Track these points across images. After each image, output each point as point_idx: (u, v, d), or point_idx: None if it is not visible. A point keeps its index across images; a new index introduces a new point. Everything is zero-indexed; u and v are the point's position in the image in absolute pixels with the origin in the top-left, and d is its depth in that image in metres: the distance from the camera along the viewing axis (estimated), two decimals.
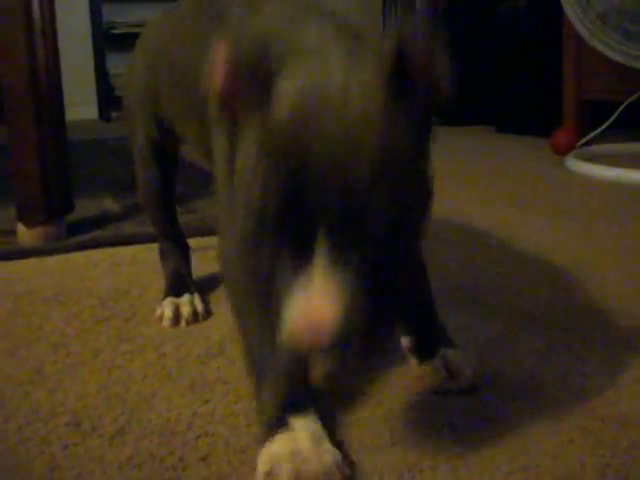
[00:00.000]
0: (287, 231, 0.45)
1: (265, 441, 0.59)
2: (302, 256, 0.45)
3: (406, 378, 0.76)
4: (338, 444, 0.61)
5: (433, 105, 0.53)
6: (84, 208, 1.48)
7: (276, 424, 0.60)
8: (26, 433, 0.66)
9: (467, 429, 0.67)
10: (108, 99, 3.62)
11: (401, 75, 0.49)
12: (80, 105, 3.57)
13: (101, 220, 1.44)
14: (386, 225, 0.46)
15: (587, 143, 2.09)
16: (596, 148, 2.04)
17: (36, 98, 1.29)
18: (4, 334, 0.89)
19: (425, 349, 0.75)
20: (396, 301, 0.50)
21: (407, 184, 0.48)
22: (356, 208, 0.45)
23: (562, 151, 2.04)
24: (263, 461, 0.58)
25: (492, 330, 0.89)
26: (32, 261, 1.21)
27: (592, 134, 2.10)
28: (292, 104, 0.48)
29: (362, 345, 0.45)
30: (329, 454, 0.58)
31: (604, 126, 2.08)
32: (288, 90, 0.49)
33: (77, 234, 1.33)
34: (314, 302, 0.43)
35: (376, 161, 0.46)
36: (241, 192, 0.49)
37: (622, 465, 0.60)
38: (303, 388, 0.64)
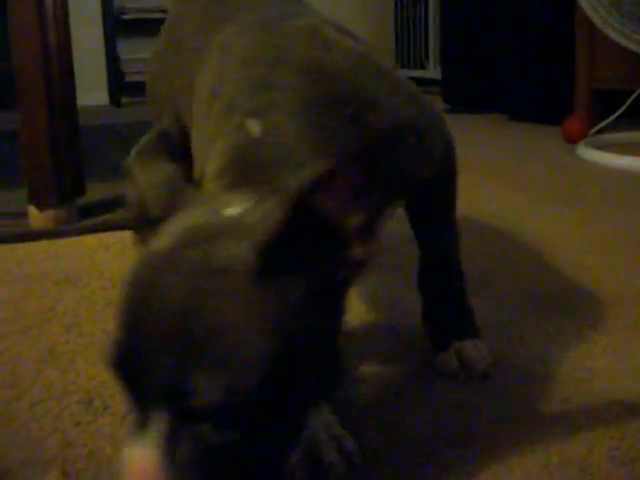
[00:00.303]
0: (127, 382, 0.44)
1: None
2: (142, 413, 0.43)
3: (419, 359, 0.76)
4: (348, 430, 0.61)
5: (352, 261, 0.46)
6: (95, 192, 1.49)
7: None
8: (39, 411, 0.67)
9: (476, 410, 0.67)
10: (118, 85, 3.62)
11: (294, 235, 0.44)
12: (90, 90, 3.57)
13: (112, 203, 1.45)
14: (217, 420, 0.42)
15: (599, 131, 2.08)
16: (608, 136, 2.02)
17: (48, 81, 1.29)
18: (17, 315, 0.90)
19: (440, 339, 0.75)
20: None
21: (258, 376, 0.42)
22: (184, 389, 0.42)
23: (574, 139, 2.02)
24: None
25: (503, 314, 0.89)
26: (44, 243, 1.22)
27: (604, 122, 2.09)
28: (145, 259, 0.46)
29: None
30: (338, 440, 0.59)
31: (616, 114, 2.06)
32: (152, 246, 0.46)
33: (88, 217, 1.34)
34: (140, 459, 0.43)
35: (201, 353, 0.42)
36: None
37: (630, 448, 0.60)
38: None
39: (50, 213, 1.32)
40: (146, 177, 0.50)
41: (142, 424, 0.43)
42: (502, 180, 1.67)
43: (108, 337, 0.47)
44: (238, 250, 0.44)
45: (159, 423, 0.43)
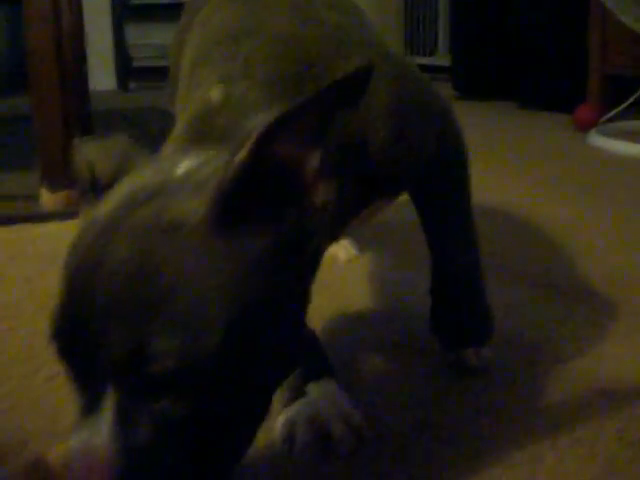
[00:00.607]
0: (72, 359, 0.41)
1: (284, 408, 0.60)
2: (90, 392, 0.40)
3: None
4: (355, 408, 0.62)
5: (309, 222, 0.43)
6: None
7: (293, 392, 0.61)
8: (55, 384, 0.68)
9: (484, 390, 0.68)
10: (126, 69, 3.62)
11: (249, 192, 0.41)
12: (98, 75, 3.57)
13: None
14: (173, 387, 0.39)
15: (610, 119, 2.06)
16: (619, 124, 2.01)
17: (61, 63, 1.29)
18: (32, 292, 0.91)
19: (443, 341, 0.72)
20: (209, 460, 0.41)
21: (215, 338, 0.39)
22: (139, 356, 0.38)
23: (585, 127, 2.01)
24: (282, 427, 0.59)
25: (513, 297, 0.89)
26: (56, 224, 1.23)
27: (615, 110, 2.07)
28: (91, 218, 0.43)
29: None
30: (346, 417, 0.59)
31: (628, 102, 2.04)
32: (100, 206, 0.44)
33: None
34: (90, 446, 0.39)
35: (153, 316, 0.39)
36: None
37: (639, 429, 0.61)
38: (320, 358, 0.65)
39: (62, 195, 1.32)
40: (97, 146, 0.48)
41: (91, 407, 0.40)
42: (511, 167, 1.66)
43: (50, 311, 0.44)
44: (191, 203, 0.41)
45: (110, 403, 0.39)
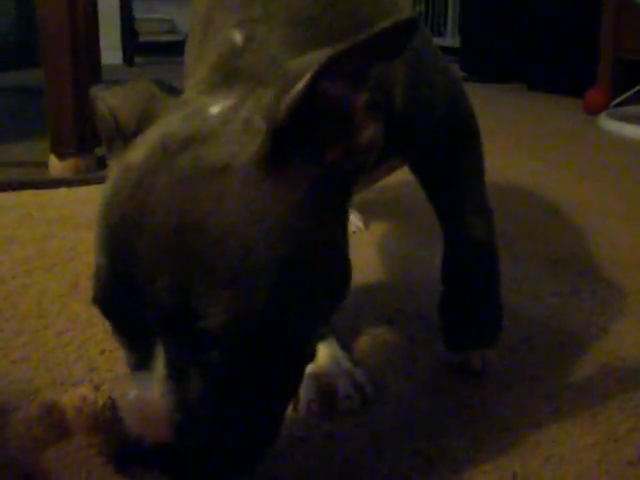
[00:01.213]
0: (120, 317, 0.40)
1: None
2: (141, 350, 0.39)
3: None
4: (359, 367, 0.62)
5: (353, 168, 0.42)
6: None
7: None
8: (65, 339, 0.69)
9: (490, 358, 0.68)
10: (133, 44, 3.60)
11: (294, 137, 0.39)
12: (105, 49, 3.55)
13: None
14: (223, 341, 0.38)
15: (620, 103, 2.05)
16: (629, 108, 1.99)
17: (73, 33, 1.29)
18: (40, 253, 0.92)
19: (451, 342, 0.66)
20: (256, 422, 0.41)
21: (268, 288, 0.38)
22: (189, 310, 0.37)
23: (595, 110, 2.00)
24: None
25: (519, 272, 0.89)
26: (63, 191, 1.24)
27: (626, 94, 2.05)
28: (124, 169, 0.41)
29: (192, 457, 0.39)
30: (350, 375, 0.60)
31: (638, 87, 2.03)
32: (132, 152, 0.41)
33: (106, 167, 1.35)
34: (146, 400, 0.38)
35: (206, 267, 0.37)
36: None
37: None
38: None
39: (70, 162, 1.33)
40: (119, 92, 0.46)
41: (142, 363, 0.39)
42: (520, 148, 1.66)
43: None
44: (236, 145, 0.39)
45: (161, 358, 0.38)
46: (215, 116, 0.42)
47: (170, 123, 0.42)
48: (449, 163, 0.66)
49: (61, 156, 1.33)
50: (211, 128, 0.41)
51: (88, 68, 1.35)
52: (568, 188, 1.30)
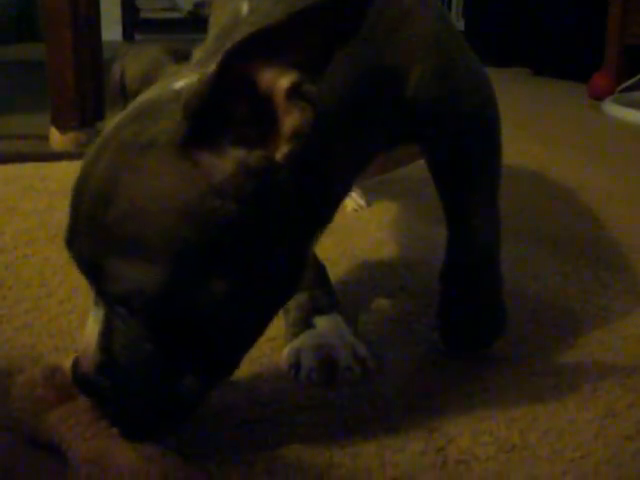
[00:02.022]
0: (76, 264, 0.45)
1: (291, 339, 0.61)
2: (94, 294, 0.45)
3: None
4: (362, 340, 0.63)
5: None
6: None
7: (300, 323, 0.62)
8: (67, 307, 0.69)
9: None
10: (133, 21, 3.58)
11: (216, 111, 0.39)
12: (105, 26, 3.52)
13: None
14: (127, 300, 0.42)
15: (626, 89, 2.03)
16: (635, 94, 1.98)
17: (73, 6, 1.29)
18: (42, 224, 0.92)
19: (450, 343, 0.64)
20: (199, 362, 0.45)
21: (167, 259, 0.40)
22: (101, 273, 0.42)
23: (600, 95, 1.99)
24: (288, 354, 0.60)
25: (519, 252, 0.89)
26: (65, 163, 1.23)
27: (632, 80, 2.04)
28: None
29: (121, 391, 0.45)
30: (352, 347, 0.60)
31: None
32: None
33: None
34: (86, 335, 0.45)
35: (114, 233, 0.41)
36: None
37: None
38: (328, 293, 0.65)
39: (71, 136, 1.33)
40: (136, 53, 0.48)
41: (96, 302, 0.45)
42: (524, 132, 1.65)
43: None
44: (167, 123, 0.40)
45: (99, 302, 0.44)
46: (173, 91, 0.43)
47: (149, 93, 0.45)
48: (464, 161, 0.63)
49: (62, 129, 1.33)
50: (160, 103, 0.42)
51: (89, 42, 1.34)
52: (571, 172, 1.30)
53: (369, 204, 1.07)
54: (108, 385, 0.45)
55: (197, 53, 0.49)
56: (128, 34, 3.61)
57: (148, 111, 0.42)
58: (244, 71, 0.39)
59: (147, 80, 0.46)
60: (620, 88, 2.02)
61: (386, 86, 0.53)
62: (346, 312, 0.67)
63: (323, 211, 0.49)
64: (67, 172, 1.19)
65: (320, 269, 0.67)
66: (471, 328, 0.63)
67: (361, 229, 0.97)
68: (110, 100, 0.48)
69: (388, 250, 0.90)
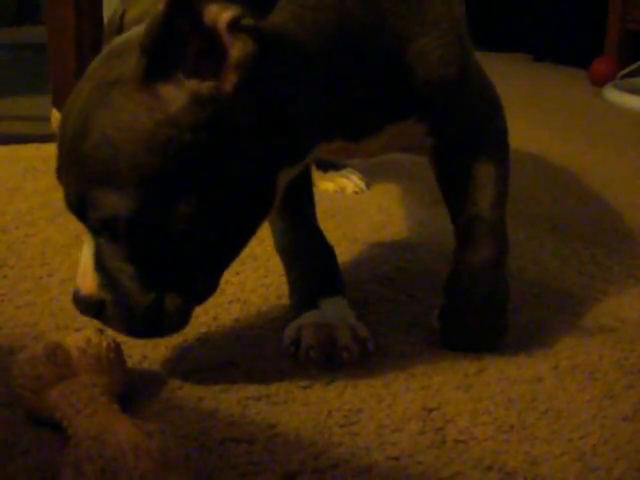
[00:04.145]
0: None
1: (294, 317, 0.62)
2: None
3: None
4: (361, 322, 0.63)
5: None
6: None
7: (304, 304, 0.62)
8: (68, 286, 0.69)
9: None
10: None
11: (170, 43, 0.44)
12: (106, 6, 3.48)
13: None
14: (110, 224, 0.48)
15: (627, 75, 2.02)
16: (636, 80, 1.97)
17: None
18: (43, 204, 0.92)
19: (446, 345, 0.63)
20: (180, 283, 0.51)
21: (135, 186, 0.46)
22: (85, 203, 0.48)
23: (601, 81, 1.98)
24: (290, 331, 0.60)
25: (518, 235, 0.89)
26: None
27: (633, 66, 2.03)
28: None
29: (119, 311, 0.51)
30: (353, 328, 0.61)
31: None
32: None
33: None
34: (83, 261, 0.51)
35: (91, 165, 0.46)
36: None
37: (639, 358, 0.62)
38: (335, 275, 0.65)
39: None
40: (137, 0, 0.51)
41: (87, 232, 0.50)
42: (524, 117, 1.64)
43: None
44: (132, 60, 0.45)
45: (89, 231, 0.49)
46: (139, 31, 0.46)
47: (124, 35, 0.49)
48: (470, 171, 0.62)
49: None
50: (129, 42, 0.47)
51: (90, 24, 1.33)
52: (571, 157, 1.30)
53: (368, 187, 1.07)
54: (109, 299, 0.50)
55: None
56: None
57: (119, 51, 0.47)
58: (191, 6, 0.43)
59: (142, 22, 0.47)
60: (621, 74, 2.01)
61: (379, 48, 0.53)
62: (346, 293, 0.67)
63: (287, 149, 0.52)
64: None
65: (328, 252, 0.67)
66: (474, 333, 0.63)
67: (361, 212, 0.97)
68: (106, 40, 0.52)
69: (388, 232, 0.90)
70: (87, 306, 0.52)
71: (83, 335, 0.51)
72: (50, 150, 1.20)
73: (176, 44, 0.44)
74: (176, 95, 0.45)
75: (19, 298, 0.67)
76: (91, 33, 1.32)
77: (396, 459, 0.48)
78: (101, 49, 0.52)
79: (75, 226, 0.85)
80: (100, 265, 0.50)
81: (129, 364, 0.54)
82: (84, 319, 0.56)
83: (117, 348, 0.52)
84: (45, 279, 0.71)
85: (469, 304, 0.62)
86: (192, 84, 0.45)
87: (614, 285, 0.77)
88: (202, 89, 0.45)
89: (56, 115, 1.34)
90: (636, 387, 0.58)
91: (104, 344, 0.51)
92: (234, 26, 0.43)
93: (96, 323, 0.62)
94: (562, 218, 0.98)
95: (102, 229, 0.48)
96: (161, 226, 0.47)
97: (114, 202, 0.46)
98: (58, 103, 1.32)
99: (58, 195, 0.97)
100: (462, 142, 0.62)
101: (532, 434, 0.51)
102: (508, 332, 0.64)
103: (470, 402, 0.55)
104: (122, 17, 0.51)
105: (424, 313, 0.68)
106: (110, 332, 0.53)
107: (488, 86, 0.63)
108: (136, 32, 0.47)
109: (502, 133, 0.65)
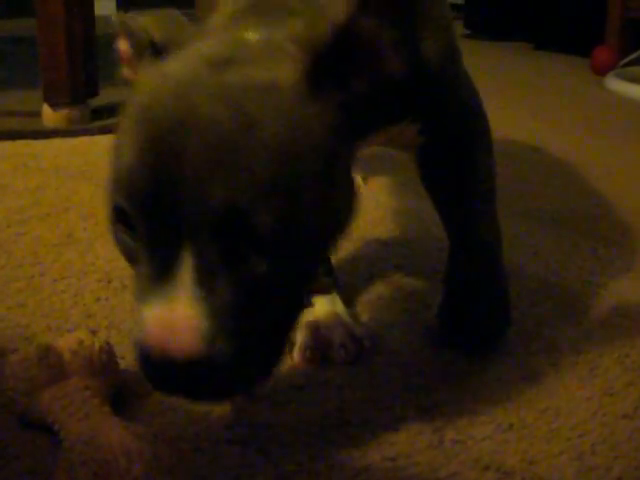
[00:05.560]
0: (149, 223, 0.39)
1: None
2: (166, 256, 0.38)
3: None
4: (357, 320, 0.62)
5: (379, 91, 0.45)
6: (107, 96, 1.47)
7: None
8: (60, 287, 0.69)
9: None
10: None
11: (332, 62, 0.42)
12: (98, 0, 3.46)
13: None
14: (269, 246, 0.39)
15: (628, 63, 2.00)
16: (637, 69, 1.95)
17: None
18: (34, 203, 0.91)
19: (447, 344, 0.62)
20: (276, 335, 0.42)
21: (308, 200, 0.40)
22: (238, 213, 0.38)
23: (602, 70, 1.96)
24: None
25: (518, 229, 0.89)
26: (57, 141, 1.22)
27: (635, 54, 2.01)
28: (161, 80, 0.41)
29: (220, 369, 0.38)
30: (349, 328, 0.60)
31: None
32: (169, 64, 0.43)
33: (100, 119, 1.32)
34: (175, 313, 0.37)
35: (260, 172, 0.38)
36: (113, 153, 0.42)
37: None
38: (326, 272, 0.64)
39: (63, 113, 1.31)
40: (148, 15, 0.48)
41: (161, 274, 0.38)
42: (523, 106, 1.63)
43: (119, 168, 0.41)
44: (276, 68, 0.42)
45: (188, 268, 0.37)
46: (252, 41, 0.44)
47: (207, 45, 0.44)
48: (458, 169, 0.62)
49: (54, 106, 1.30)
50: (251, 51, 0.43)
51: (81, 18, 1.31)
52: (572, 148, 1.29)
53: (365, 182, 1.06)
54: (227, 359, 0.38)
55: (218, 15, 0.49)
56: (122, 9, 3.55)
57: (238, 59, 0.42)
58: (360, 24, 0.42)
59: (176, 37, 0.45)
60: (622, 62, 1.99)
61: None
62: (342, 291, 0.66)
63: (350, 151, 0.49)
64: (60, 150, 1.18)
65: None
66: (474, 329, 0.62)
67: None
68: (136, 53, 0.46)
69: (385, 229, 0.89)
70: (192, 373, 0.38)
71: (75, 337, 0.50)
72: (41, 146, 1.21)
73: (337, 53, 0.43)
74: (333, 103, 0.43)
75: (10, 299, 0.67)
76: (82, 28, 1.30)
77: (393, 460, 0.48)
78: (134, 63, 0.46)
79: (67, 224, 0.85)
80: (213, 307, 0.38)
81: (122, 365, 0.54)
82: (76, 321, 0.55)
83: (109, 350, 0.51)
84: (37, 279, 0.71)
85: (468, 300, 0.61)
86: (344, 93, 0.44)
87: (615, 280, 0.77)
88: (352, 98, 0.44)
89: (48, 110, 1.32)
90: (637, 384, 0.57)
91: (96, 346, 0.50)
92: (396, 43, 0.43)
93: (89, 323, 0.62)
94: (562, 211, 0.97)
95: (246, 252, 0.38)
96: (315, 229, 0.41)
97: (285, 210, 0.39)
98: (49, 98, 1.31)
99: (49, 192, 0.98)
100: (449, 141, 0.62)
101: (530, 433, 0.51)
102: (505, 333, 0.63)
103: (468, 401, 0.54)
104: (148, 33, 0.46)
105: (422, 311, 0.67)
106: (102, 333, 0.53)
107: (471, 84, 0.63)
108: (242, 40, 0.44)
109: (486, 132, 0.65)
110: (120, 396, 0.51)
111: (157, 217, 0.38)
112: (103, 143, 1.22)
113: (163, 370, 0.38)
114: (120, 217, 0.40)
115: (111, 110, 1.40)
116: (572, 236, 0.88)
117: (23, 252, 0.77)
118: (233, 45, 0.44)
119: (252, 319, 0.39)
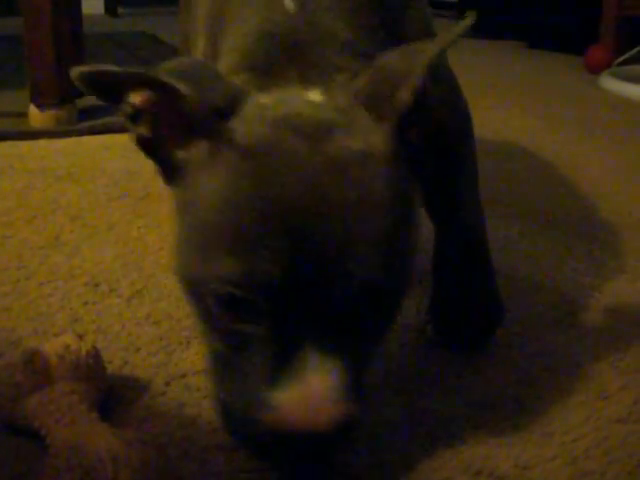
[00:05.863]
0: (281, 309, 0.40)
1: None
2: (287, 336, 0.41)
3: None
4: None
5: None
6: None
7: None
8: (47, 290, 0.67)
9: None
10: None
11: (405, 122, 0.45)
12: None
13: (112, 107, 1.41)
14: (388, 307, 0.45)
15: (622, 62, 2.01)
16: (632, 68, 1.95)
17: None
18: (20, 205, 0.90)
19: (440, 339, 0.62)
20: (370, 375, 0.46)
21: (411, 254, 0.46)
22: (364, 297, 0.41)
23: (596, 69, 1.96)
24: None
25: (512, 230, 0.88)
26: (44, 142, 1.20)
27: (629, 53, 2.01)
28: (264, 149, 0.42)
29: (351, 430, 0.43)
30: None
31: None
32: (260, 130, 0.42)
33: (87, 119, 1.31)
34: (314, 387, 0.40)
35: (384, 245, 0.42)
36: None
37: (634, 360, 0.60)
38: None
39: (50, 113, 1.29)
40: (188, 71, 0.45)
41: (287, 357, 0.40)
42: (518, 105, 1.62)
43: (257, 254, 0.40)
44: (364, 134, 0.44)
45: (314, 347, 0.40)
46: (318, 103, 0.45)
47: (278, 108, 0.43)
48: (443, 155, 0.62)
49: (41, 107, 1.29)
50: (333, 118, 0.44)
51: (69, 17, 1.30)
52: (566, 148, 1.28)
53: None
54: (357, 418, 0.43)
55: (228, 45, 0.48)
56: (110, 8, 3.52)
57: (324, 126, 0.43)
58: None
59: (229, 98, 0.43)
60: (617, 61, 1.99)
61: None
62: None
63: None
64: (47, 151, 1.16)
65: None
66: (465, 323, 0.62)
67: None
68: (196, 123, 0.43)
69: None
70: (330, 439, 0.42)
71: (62, 341, 0.50)
72: (28, 147, 1.19)
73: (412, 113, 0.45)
74: (404, 157, 0.46)
75: None
76: (69, 27, 1.29)
77: (385, 465, 0.47)
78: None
79: (53, 227, 0.83)
80: (343, 377, 0.41)
81: (109, 370, 0.53)
82: (62, 324, 0.54)
83: (96, 354, 0.51)
84: (23, 282, 0.69)
85: (456, 295, 0.62)
86: (406, 146, 0.46)
87: (609, 282, 0.76)
88: (411, 149, 0.46)
89: (35, 111, 1.31)
90: (631, 388, 0.57)
91: (83, 350, 0.50)
92: (443, 98, 0.48)
93: (75, 328, 0.61)
94: (556, 212, 0.96)
95: (368, 315, 0.42)
96: (410, 283, 0.47)
97: (397, 277, 0.44)
98: (36, 98, 1.30)
99: (36, 195, 0.96)
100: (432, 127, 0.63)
101: (523, 437, 0.50)
102: (500, 324, 0.63)
103: (461, 405, 0.54)
104: (204, 99, 0.43)
105: (414, 314, 0.66)
106: (89, 338, 0.52)
107: (449, 71, 0.64)
108: (317, 104, 0.45)
109: (467, 120, 0.66)
110: (107, 401, 0.50)
111: (292, 303, 0.40)
112: (91, 144, 1.21)
113: (302, 441, 0.41)
114: (232, 305, 0.41)
115: (98, 111, 1.38)
116: (565, 238, 0.87)
117: (9, 255, 0.75)
118: (310, 110, 0.44)
119: (366, 372, 0.45)
